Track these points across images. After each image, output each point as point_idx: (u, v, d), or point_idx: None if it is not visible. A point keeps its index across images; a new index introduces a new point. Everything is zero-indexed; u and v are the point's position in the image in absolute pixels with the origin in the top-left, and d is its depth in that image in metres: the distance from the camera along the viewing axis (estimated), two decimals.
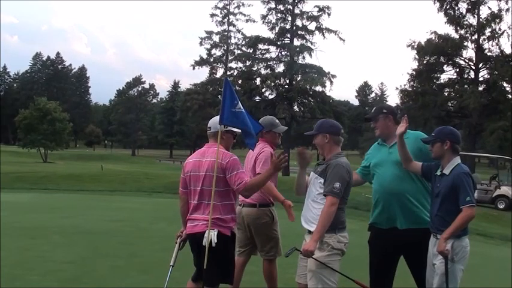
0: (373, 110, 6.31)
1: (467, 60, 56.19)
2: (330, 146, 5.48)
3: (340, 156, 5.46)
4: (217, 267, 5.48)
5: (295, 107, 66.92)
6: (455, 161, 5.39)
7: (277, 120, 7.23)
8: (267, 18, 67.23)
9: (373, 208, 6.03)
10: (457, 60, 56.73)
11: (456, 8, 54.27)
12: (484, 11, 53.89)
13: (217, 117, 5.77)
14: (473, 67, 55.36)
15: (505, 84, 54.72)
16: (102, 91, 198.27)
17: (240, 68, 71.30)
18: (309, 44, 66.17)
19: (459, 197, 5.15)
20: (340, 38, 65.78)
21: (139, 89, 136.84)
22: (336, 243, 5.20)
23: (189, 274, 5.90)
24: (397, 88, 59.61)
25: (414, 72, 57.82)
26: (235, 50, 77.27)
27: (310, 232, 5.30)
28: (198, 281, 5.71)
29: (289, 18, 66.80)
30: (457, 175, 5.23)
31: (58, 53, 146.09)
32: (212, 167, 5.49)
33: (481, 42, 53.94)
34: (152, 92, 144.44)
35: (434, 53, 55.60)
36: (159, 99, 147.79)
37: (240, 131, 5.86)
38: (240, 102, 5.78)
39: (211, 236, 5.36)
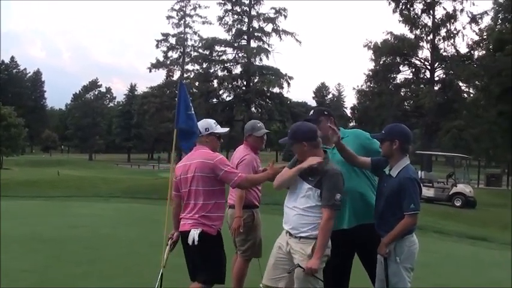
0: (312, 112, 6.27)
1: (423, 60, 56.99)
2: (311, 153, 5.23)
3: (330, 161, 5.33)
4: (206, 267, 5.66)
5: (253, 109, 67.05)
6: (402, 163, 5.33)
7: (259, 124, 7.28)
8: (223, 20, 67.30)
9: None
10: (413, 60, 57.53)
11: (411, 9, 54.84)
12: (439, 12, 54.60)
13: (201, 122, 6.05)
14: (429, 67, 56.10)
15: (460, 84, 55.59)
16: (58, 95, 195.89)
17: (197, 70, 71.06)
18: (265, 46, 66.32)
19: (403, 203, 5.12)
20: (297, 40, 66.07)
21: (96, 92, 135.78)
22: (326, 249, 5.08)
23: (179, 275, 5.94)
24: (354, 88, 60.20)
25: (371, 73, 58.45)
26: (192, 52, 76.92)
27: (295, 237, 5.14)
28: (196, 280, 5.88)
29: (246, 20, 66.88)
30: (403, 179, 5.19)
31: (12, 57, 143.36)
32: (200, 168, 5.69)
33: (436, 42, 54.70)
34: (109, 96, 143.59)
35: (390, 53, 56.34)
36: (116, 103, 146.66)
37: (226, 130, 6.28)
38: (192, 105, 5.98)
39: (194, 234, 5.56)
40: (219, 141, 6.10)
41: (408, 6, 54.83)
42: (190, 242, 5.58)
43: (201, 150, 5.86)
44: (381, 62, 57.34)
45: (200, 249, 5.60)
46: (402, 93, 59.13)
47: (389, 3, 55.41)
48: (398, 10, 55.04)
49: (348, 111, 77.65)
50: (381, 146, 5.47)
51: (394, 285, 5.22)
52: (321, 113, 6.08)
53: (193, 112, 6.34)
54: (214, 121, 6.14)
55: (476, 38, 53.21)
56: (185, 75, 73.00)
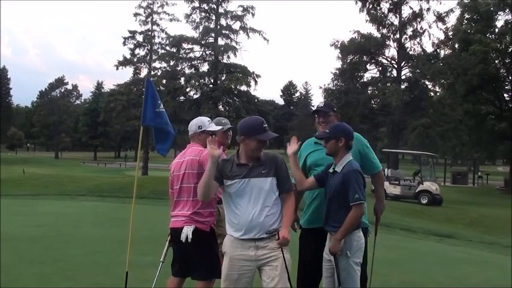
0: (324, 104, 6.39)
1: (389, 59, 57.08)
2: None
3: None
4: (202, 263, 5.82)
5: (220, 107, 66.78)
6: (346, 158, 5.49)
7: (223, 120, 7.24)
8: (190, 17, 66.82)
9: (307, 207, 5.95)
10: (380, 59, 57.60)
11: (378, 8, 55.01)
12: (406, 11, 54.81)
13: (195, 120, 6.19)
14: (396, 66, 56.22)
15: (426, 82, 55.89)
16: (24, 93, 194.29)
17: (164, 67, 70.64)
18: (233, 44, 66.10)
19: (348, 195, 5.25)
20: (264, 38, 65.86)
21: (62, 90, 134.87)
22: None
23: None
24: (321, 87, 59.95)
25: (338, 71, 58.47)
26: (159, 50, 76.36)
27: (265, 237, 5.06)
28: (178, 276, 6.03)
29: (214, 18, 66.60)
30: (347, 173, 5.34)
31: None
32: (189, 165, 5.86)
33: (403, 41, 54.81)
34: (75, 93, 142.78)
35: (357, 52, 56.31)
36: (82, 101, 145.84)
37: (219, 128, 6.43)
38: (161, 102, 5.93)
39: (188, 232, 5.67)
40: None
41: (375, 5, 54.92)
42: (183, 239, 5.67)
43: (192, 148, 6.03)
44: (347, 61, 57.23)
45: (194, 246, 5.71)
46: (369, 92, 59.03)
47: (356, 2, 55.32)
48: (365, 9, 55.02)
49: None
50: (326, 145, 5.57)
51: (345, 281, 5.32)
52: (332, 108, 6.16)
53: (163, 110, 6.31)
54: (209, 119, 6.32)
55: (442, 36, 53.67)
56: (152, 73, 72.48)
